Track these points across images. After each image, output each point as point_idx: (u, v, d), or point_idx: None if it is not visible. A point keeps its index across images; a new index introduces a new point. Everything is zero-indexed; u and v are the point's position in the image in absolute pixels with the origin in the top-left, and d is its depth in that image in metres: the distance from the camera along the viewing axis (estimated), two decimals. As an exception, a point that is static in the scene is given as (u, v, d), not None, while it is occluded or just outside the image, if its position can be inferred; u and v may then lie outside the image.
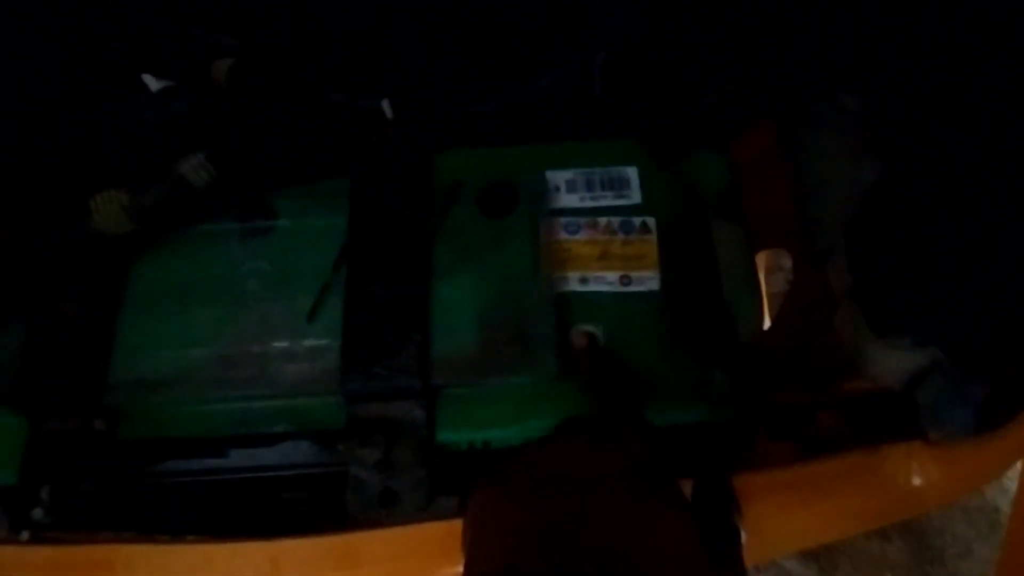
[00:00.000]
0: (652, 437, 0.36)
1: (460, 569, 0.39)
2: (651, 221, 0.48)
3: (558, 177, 0.50)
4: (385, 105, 0.49)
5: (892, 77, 0.38)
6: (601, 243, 0.48)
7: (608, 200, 0.49)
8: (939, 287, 0.31)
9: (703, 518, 0.31)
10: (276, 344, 0.44)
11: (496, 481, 0.32)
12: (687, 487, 0.35)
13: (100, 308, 0.44)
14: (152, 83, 0.45)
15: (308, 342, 0.44)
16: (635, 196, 0.49)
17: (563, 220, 0.49)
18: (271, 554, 0.42)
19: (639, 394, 0.42)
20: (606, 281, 0.47)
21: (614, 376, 0.42)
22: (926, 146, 0.33)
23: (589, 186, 0.50)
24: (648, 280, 0.47)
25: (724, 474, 0.35)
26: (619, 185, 0.50)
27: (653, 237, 0.48)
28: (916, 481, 0.35)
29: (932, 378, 0.33)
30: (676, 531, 0.27)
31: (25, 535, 0.40)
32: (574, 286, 0.47)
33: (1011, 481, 0.89)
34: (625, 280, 0.47)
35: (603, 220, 0.49)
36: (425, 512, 0.41)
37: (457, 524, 0.39)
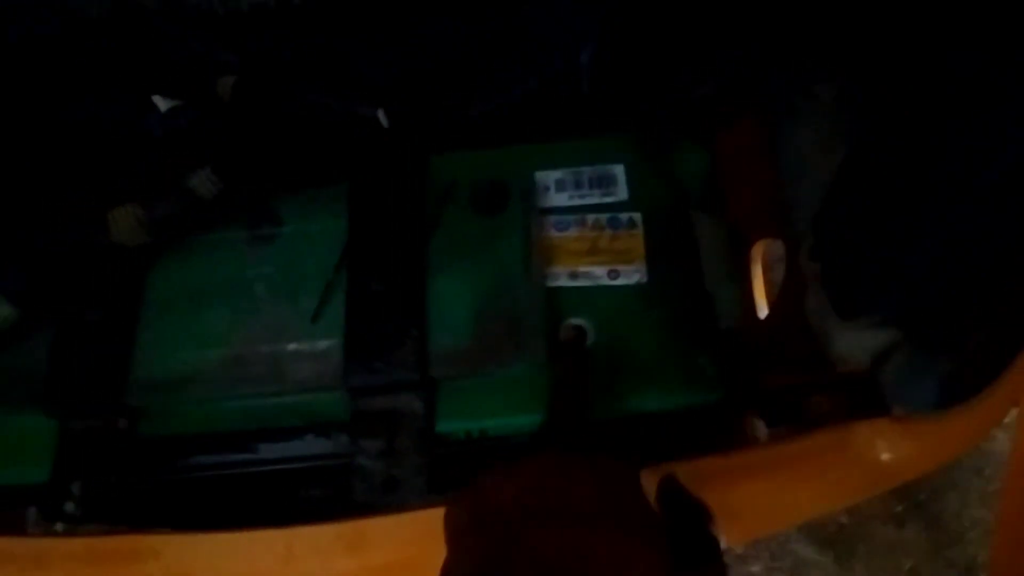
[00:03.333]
0: (598, 440, 0.36)
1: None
2: (637, 216, 0.50)
3: (548, 177, 0.52)
4: (381, 114, 0.52)
5: (863, 66, 0.40)
6: (590, 239, 0.50)
7: (596, 197, 0.51)
8: (898, 268, 0.33)
9: (676, 534, 0.28)
10: (283, 344, 0.47)
11: (463, 506, 0.31)
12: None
13: (120, 315, 0.48)
14: (161, 103, 0.48)
15: (313, 341, 0.47)
16: (622, 193, 0.51)
17: (553, 218, 0.51)
18: (286, 541, 0.44)
19: (589, 398, 0.42)
20: (595, 275, 0.49)
21: (578, 377, 0.42)
22: (889, 132, 0.35)
23: (577, 184, 0.52)
24: (635, 273, 0.49)
25: (686, 489, 0.31)
26: (606, 183, 0.52)
27: (639, 231, 0.50)
28: (885, 456, 0.36)
29: (895, 356, 0.34)
30: (645, 559, 0.26)
31: (60, 527, 0.43)
32: (564, 281, 0.49)
33: None
34: (613, 274, 0.49)
35: (591, 217, 0.51)
36: (427, 497, 0.43)
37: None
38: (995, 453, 1.01)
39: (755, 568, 0.99)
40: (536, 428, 0.45)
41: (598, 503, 0.27)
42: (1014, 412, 0.42)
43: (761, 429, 0.50)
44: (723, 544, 0.29)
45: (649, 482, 0.39)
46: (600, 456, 0.30)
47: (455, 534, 0.30)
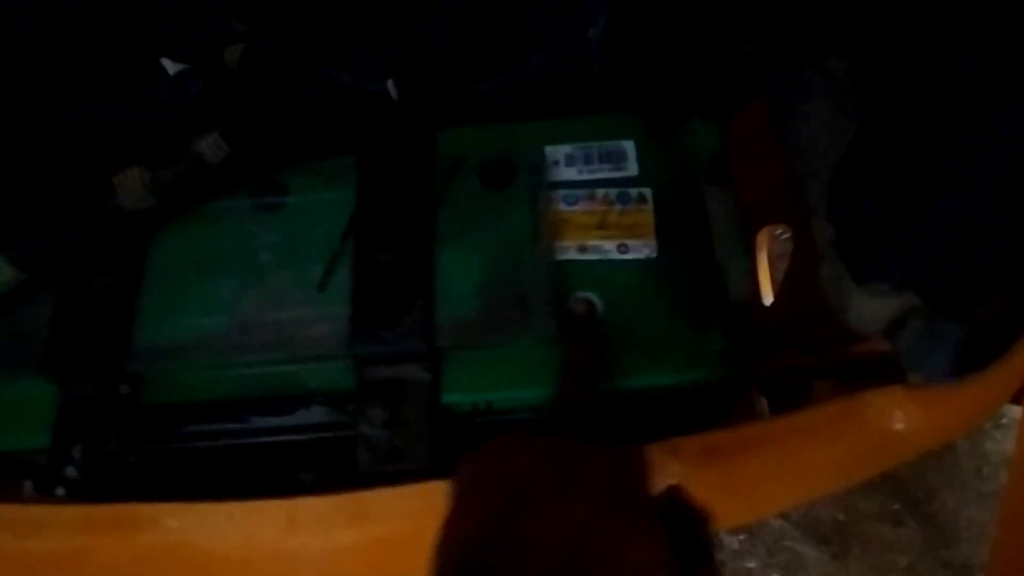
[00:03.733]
0: (607, 424, 0.36)
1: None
2: (647, 192, 0.50)
3: (557, 151, 0.52)
4: (390, 85, 0.52)
5: (879, 36, 0.40)
6: (599, 213, 0.50)
7: (605, 172, 0.51)
8: (915, 232, 0.33)
9: (674, 535, 0.29)
10: (289, 312, 0.47)
11: (476, 464, 0.31)
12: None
13: (124, 279, 0.47)
14: (170, 67, 0.48)
15: (319, 309, 0.47)
16: (632, 168, 0.51)
17: (562, 192, 0.51)
18: (288, 511, 0.44)
19: (601, 372, 0.42)
20: (604, 249, 0.49)
21: (590, 349, 0.42)
22: (905, 99, 0.35)
23: (587, 159, 0.52)
24: (645, 248, 0.49)
25: (685, 491, 0.32)
26: (616, 158, 0.52)
27: (649, 207, 0.50)
28: (898, 426, 0.36)
29: (911, 323, 0.34)
30: (647, 547, 0.26)
31: (61, 491, 0.43)
32: (573, 255, 0.49)
33: None
34: (623, 248, 0.49)
35: (601, 191, 0.51)
36: (432, 469, 0.43)
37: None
38: (993, 453, 1.01)
39: (751, 564, 0.99)
40: (543, 403, 0.44)
41: (608, 488, 0.28)
42: (1017, 412, 0.42)
43: (765, 409, 0.50)
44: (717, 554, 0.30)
45: (659, 456, 0.39)
46: (614, 444, 0.31)
47: (462, 490, 0.30)
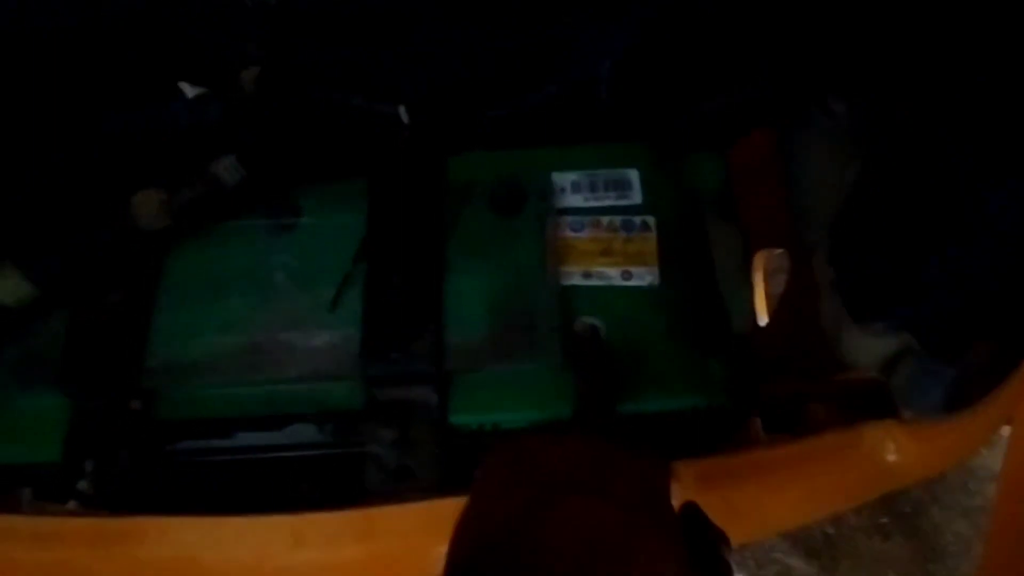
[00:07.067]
0: (623, 435, 0.36)
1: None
2: (651, 220, 0.51)
3: (564, 178, 0.53)
4: (402, 111, 0.53)
5: (874, 82, 0.41)
6: (604, 240, 0.51)
7: (611, 200, 0.53)
8: (911, 277, 0.34)
9: (692, 552, 0.28)
10: (301, 332, 0.48)
11: (503, 459, 0.30)
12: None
13: (138, 298, 0.48)
14: (188, 90, 0.49)
15: (330, 330, 0.48)
16: (636, 197, 0.52)
17: (568, 219, 0.52)
18: (295, 527, 0.45)
19: (616, 390, 0.43)
20: (608, 276, 0.50)
21: (600, 369, 0.43)
22: (901, 147, 0.36)
23: (593, 187, 0.53)
24: (648, 275, 0.50)
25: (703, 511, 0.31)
26: (621, 186, 0.53)
27: (653, 235, 0.51)
28: (892, 458, 0.37)
29: (905, 362, 0.36)
30: (667, 561, 0.25)
31: (72, 504, 0.43)
32: (578, 280, 0.50)
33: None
34: (626, 275, 0.50)
35: (606, 219, 0.52)
36: (439, 488, 0.44)
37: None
38: (979, 468, 1.03)
39: (740, 576, 0.99)
40: (549, 425, 0.45)
41: (635, 495, 0.27)
42: (1006, 430, 0.44)
43: (759, 430, 0.51)
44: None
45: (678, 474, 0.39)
46: (640, 450, 0.30)
47: (487, 484, 0.30)
